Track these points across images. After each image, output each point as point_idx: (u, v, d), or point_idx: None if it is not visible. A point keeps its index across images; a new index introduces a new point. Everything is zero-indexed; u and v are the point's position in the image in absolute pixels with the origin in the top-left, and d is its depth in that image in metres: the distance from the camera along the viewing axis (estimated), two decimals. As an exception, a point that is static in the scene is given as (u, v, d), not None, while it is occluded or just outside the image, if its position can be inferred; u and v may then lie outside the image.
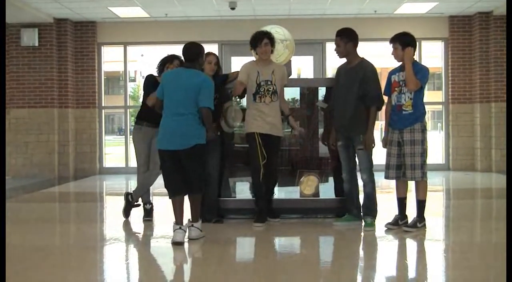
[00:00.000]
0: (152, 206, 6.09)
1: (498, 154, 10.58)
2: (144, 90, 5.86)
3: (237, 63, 10.10)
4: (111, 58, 11.96)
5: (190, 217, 5.01)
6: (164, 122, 4.95)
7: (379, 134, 8.98)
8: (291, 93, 6.39)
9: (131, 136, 6.22)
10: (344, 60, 5.60)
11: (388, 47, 5.44)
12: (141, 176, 5.96)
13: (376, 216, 5.53)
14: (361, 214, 5.61)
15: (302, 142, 6.40)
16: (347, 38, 5.45)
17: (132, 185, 8.51)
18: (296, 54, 6.38)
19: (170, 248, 4.83)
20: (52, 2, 9.61)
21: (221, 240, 5.17)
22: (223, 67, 7.21)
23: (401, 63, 5.36)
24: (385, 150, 5.46)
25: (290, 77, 6.15)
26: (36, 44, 10.66)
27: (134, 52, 12.41)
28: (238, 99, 6.24)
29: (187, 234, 4.96)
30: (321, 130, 6.31)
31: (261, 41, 5.59)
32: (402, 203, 5.45)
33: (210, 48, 7.02)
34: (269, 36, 5.64)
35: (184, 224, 4.93)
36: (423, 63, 7.39)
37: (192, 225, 4.98)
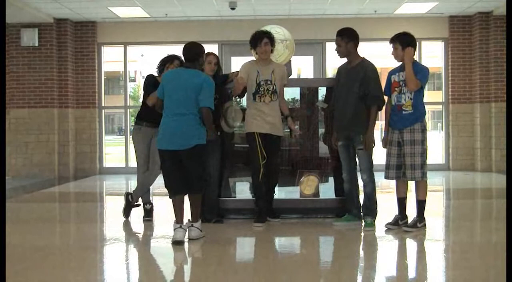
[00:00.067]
0: (152, 206, 6.09)
1: (498, 154, 10.58)
2: (144, 90, 5.86)
3: (237, 63, 10.09)
4: (111, 58, 11.96)
5: (190, 217, 5.02)
6: (164, 122, 4.95)
7: (379, 134, 8.98)
8: (291, 93, 6.40)
9: (131, 136, 6.22)
10: (344, 60, 5.60)
11: (388, 47, 5.44)
12: (141, 176, 5.96)
13: (376, 216, 5.53)
14: (361, 214, 5.61)
15: (302, 141, 6.39)
16: (348, 38, 5.45)
17: (132, 185, 8.51)
18: (296, 54, 6.38)
19: (170, 248, 4.83)
20: (52, 2, 9.61)
21: (221, 240, 5.17)
22: (223, 67, 7.21)
23: (401, 63, 5.36)
24: (385, 150, 5.46)
25: (290, 77, 6.15)
26: (36, 44, 10.66)
27: (134, 52, 12.40)
28: (238, 99, 6.24)
29: (187, 233, 4.96)
30: (321, 131, 6.31)
31: (261, 40, 5.59)
32: (402, 203, 5.45)
33: (210, 48, 7.02)
34: (269, 36, 5.64)
35: (184, 223, 4.93)
36: (423, 63, 7.40)
37: (192, 225, 4.98)
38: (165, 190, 5.05)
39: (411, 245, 5.08)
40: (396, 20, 10.66)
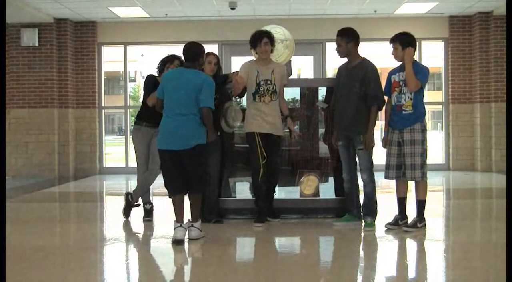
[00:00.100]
0: (152, 206, 6.09)
1: (498, 154, 10.58)
2: (144, 90, 5.86)
3: (237, 63, 10.09)
4: (111, 58, 11.96)
5: (190, 217, 5.02)
6: (164, 122, 4.95)
7: (379, 134, 8.98)
8: (291, 93, 6.40)
9: (131, 136, 6.22)
10: (345, 60, 5.60)
11: (388, 47, 5.44)
12: (141, 176, 5.96)
13: (376, 216, 5.53)
14: (361, 214, 5.61)
15: (302, 141, 6.39)
16: (348, 38, 5.45)
17: (132, 185, 8.51)
18: (296, 54, 6.39)
19: (170, 248, 4.83)
20: (52, 2, 9.61)
21: (221, 240, 5.17)
22: (223, 67, 7.21)
23: (401, 63, 5.36)
24: (385, 150, 5.46)
25: (290, 77, 6.15)
26: (36, 44, 10.67)
27: (134, 52, 12.41)
28: (238, 99, 6.24)
29: (187, 233, 4.96)
30: (321, 131, 6.31)
31: (260, 40, 5.59)
32: (402, 203, 5.45)
33: (210, 48, 7.02)
34: (268, 36, 5.63)
35: (184, 222, 4.93)
36: (423, 63, 7.40)
37: (192, 225, 4.98)
38: (165, 190, 5.05)
39: (411, 245, 5.08)
40: (396, 20, 10.66)
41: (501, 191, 8.24)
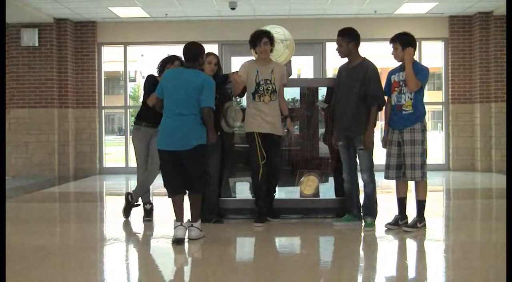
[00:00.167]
0: (152, 206, 6.09)
1: (498, 154, 10.58)
2: (144, 90, 5.86)
3: (237, 63, 10.09)
4: (111, 58, 11.96)
5: (190, 217, 5.01)
6: (164, 122, 4.95)
7: (379, 134, 8.99)
8: (291, 93, 6.40)
9: (131, 136, 6.22)
10: (345, 60, 5.60)
11: (388, 47, 5.44)
12: (141, 176, 5.96)
13: (376, 216, 5.53)
14: (361, 214, 5.61)
15: (302, 141, 6.39)
16: (349, 38, 5.44)
17: (132, 185, 8.51)
18: (296, 54, 6.38)
19: (170, 248, 4.83)
20: (52, 2, 9.61)
21: (221, 240, 5.17)
22: (223, 67, 7.20)
23: (401, 63, 5.36)
24: (385, 150, 5.46)
25: (290, 77, 6.15)
26: (36, 44, 10.67)
27: (134, 52, 12.41)
28: (238, 99, 6.24)
29: (187, 233, 4.96)
30: (321, 131, 6.31)
31: (260, 40, 5.59)
32: (402, 203, 5.45)
33: (210, 48, 7.02)
34: (268, 35, 5.63)
35: (184, 222, 4.93)
36: (423, 63, 7.40)
37: (192, 225, 4.98)
38: (165, 190, 5.05)
39: (411, 245, 5.08)
40: (396, 20, 10.66)
41: (501, 191, 8.24)
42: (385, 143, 5.45)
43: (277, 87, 5.65)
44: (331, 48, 10.37)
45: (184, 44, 5.08)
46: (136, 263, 4.67)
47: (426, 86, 5.48)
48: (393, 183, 5.53)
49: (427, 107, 5.53)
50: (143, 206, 6.07)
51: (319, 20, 10.99)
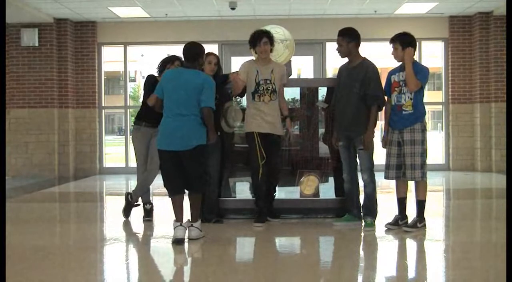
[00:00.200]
0: (152, 206, 6.09)
1: (498, 154, 10.58)
2: (144, 90, 5.85)
3: (237, 63, 10.09)
4: (111, 58, 11.96)
5: (189, 217, 5.01)
6: (164, 123, 4.94)
7: (380, 134, 8.98)
8: (291, 93, 6.39)
9: (131, 136, 6.22)
10: (345, 60, 5.59)
11: (388, 47, 5.44)
12: (141, 176, 5.96)
13: (376, 216, 5.53)
14: (361, 214, 5.61)
15: (302, 141, 6.39)
16: (349, 38, 5.44)
17: (132, 184, 8.51)
18: (296, 54, 6.38)
19: (170, 248, 4.83)
20: (52, 2, 9.61)
21: (221, 240, 5.17)
22: (223, 67, 7.20)
23: (401, 63, 5.36)
24: (385, 150, 5.46)
25: (290, 77, 6.15)
26: (36, 44, 10.67)
27: (134, 52, 12.41)
28: (238, 99, 6.24)
29: (187, 233, 4.96)
30: (321, 131, 6.31)
31: (260, 40, 5.59)
32: (402, 203, 5.45)
33: (210, 48, 7.02)
34: (268, 35, 5.63)
35: (184, 222, 4.93)
36: (423, 63, 7.40)
37: (192, 225, 4.98)
38: (165, 190, 5.05)
39: (411, 245, 5.08)
40: (396, 20, 10.66)
41: (501, 191, 8.24)
42: (385, 142, 5.45)
43: (277, 87, 5.65)
44: (331, 48, 10.37)
45: (184, 44, 5.08)
46: (136, 263, 4.67)
47: (426, 86, 5.48)
48: (393, 183, 5.53)
49: (427, 107, 5.53)
50: (143, 206, 6.07)
51: (319, 20, 10.99)
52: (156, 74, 5.88)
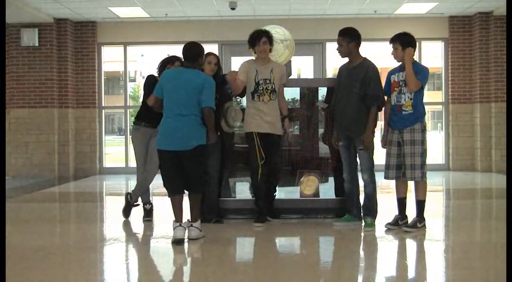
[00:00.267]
0: (152, 206, 6.09)
1: (498, 154, 10.58)
2: (144, 90, 5.85)
3: (237, 63, 10.08)
4: (111, 58, 11.96)
5: (189, 217, 5.01)
6: (164, 123, 4.94)
7: (379, 134, 8.98)
8: (291, 93, 6.39)
9: (131, 136, 6.23)
10: (346, 59, 5.59)
11: (388, 47, 5.44)
12: (141, 176, 5.96)
13: (376, 216, 5.53)
14: (361, 214, 5.60)
15: (302, 141, 6.39)
16: (349, 38, 5.44)
17: (132, 184, 8.50)
18: (296, 54, 6.38)
19: (170, 248, 4.83)
20: (52, 2, 9.61)
21: (221, 240, 5.17)
22: (223, 67, 7.20)
23: (400, 63, 5.36)
24: (385, 150, 5.46)
25: (290, 77, 6.15)
26: (36, 44, 10.67)
27: (134, 52, 12.40)
28: (238, 99, 6.24)
29: (186, 233, 4.96)
30: (321, 131, 6.31)
31: (259, 40, 5.59)
32: (402, 203, 5.45)
33: (210, 48, 7.02)
34: (267, 35, 5.63)
35: (183, 222, 4.93)
36: (423, 63, 7.40)
37: (192, 225, 4.98)
38: (165, 190, 5.05)
39: (411, 245, 5.08)
40: (396, 20, 10.66)
41: (501, 191, 8.24)
42: (385, 142, 5.45)
43: (276, 86, 5.65)
44: (331, 48, 10.37)
45: (184, 44, 5.08)
46: (136, 263, 4.67)
47: (426, 86, 5.48)
48: (393, 183, 5.53)
49: (427, 107, 5.54)
50: (143, 206, 6.07)
51: (319, 20, 10.99)
52: (156, 74, 5.88)
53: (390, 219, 5.47)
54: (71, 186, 9.84)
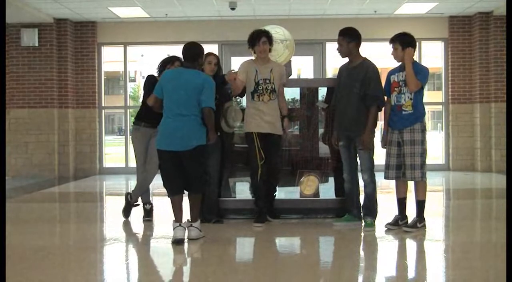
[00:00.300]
0: (152, 206, 6.09)
1: (498, 154, 10.58)
2: (144, 90, 5.85)
3: (237, 63, 10.08)
4: (111, 58, 11.95)
5: (189, 217, 5.01)
6: (164, 123, 4.94)
7: (380, 134, 8.98)
8: (291, 93, 6.40)
9: (131, 136, 6.23)
10: (346, 59, 5.59)
11: (388, 47, 5.44)
12: (140, 176, 5.96)
13: (376, 216, 5.53)
14: (361, 214, 5.60)
15: (302, 141, 6.39)
16: (349, 38, 5.44)
17: (132, 185, 8.51)
18: (296, 54, 6.38)
19: (170, 248, 4.83)
20: (52, 2, 9.61)
21: (221, 240, 5.17)
22: (223, 68, 7.20)
23: (400, 63, 5.36)
24: (385, 150, 5.46)
25: (290, 77, 6.15)
26: (36, 44, 10.67)
27: (134, 52, 12.40)
28: (238, 99, 6.24)
29: (186, 233, 4.95)
30: (321, 131, 6.31)
31: (259, 39, 5.59)
32: (402, 203, 5.45)
33: (210, 48, 7.02)
34: (267, 35, 5.63)
35: (183, 222, 4.93)
36: (423, 63, 7.40)
37: (191, 225, 4.98)
38: (165, 190, 5.04)
39: (411, 245, 5.08)
40: (396, 20, 10.66)
41: (501, 191, 8.24)
42: (385, 142, 5.45)
43: (276, 86, 5.65)
44: (331, 48, 10.37)
45: (184, 44, 5.08)
46: (136, 263, 4.67)
47: (426, 87, 5.48)
48: (393, 183, 5.53)
49: (427, 108, 5.54)
50: (143, 206, 6.07)
51: (319, 20, 10.99)
52: (156, 75, 5.88)
53: (390, 219, 5.48)
54: (71, 186, 9.84)
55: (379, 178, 5.57)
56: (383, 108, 5.48)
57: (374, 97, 5.34)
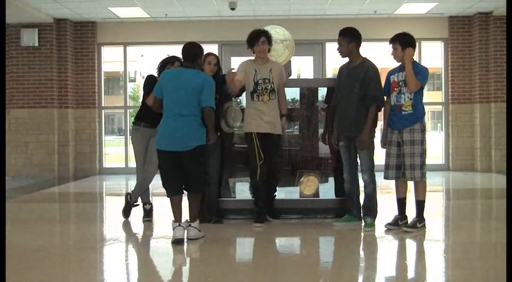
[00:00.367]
0: (151, 206, 6.09)
1: (498, 154, 10.58)
2: (144, 90, 5.86)
3: (237, 64, 10.08)
4: (111, 58, 11.95)
5: (188, 217, 5.01)
6: (164, 123, 4.93)
7: (380, 134, 8.97)
8: (291, 93, 6.40)
9: (130, 136, 6.23)
10: (346, 59, 5.59)
11: (388, 47, 5.44)
12: (140, 175, 5.96)
13: (376, 217, 5.53)
14: (361, 214, 5.61)
15: (302, 141, 6.40)
16: (349, 38, 5.44)
17: (132, 185, 8.50)
18: (296, 54, 6.38)
19: (170, 248, 4.83)
20: (52, 2, 9.61)
21: (221, 240, 5.17)
22: (223, 68, 7.20)
23: (400, 63, 5.36)
24: (384, 150, 5.47)
25: (290, 77, 6.15)
26: (36, 44, 10.67)
27: (134, 52, 12.40)
28: (238, 100, 6.24)
29: (186, 233, 4.95)
30: (321, 131, 6.31)
31: (258, 39, 5.59)
32: (402, 203, 5.46)
33: (210, 48, 7.02)
34: (266, 35, 5.63)
35: (183, 222, 4.93)
36: (422, 63, 7.40)
37: (190, 225, 4.97)
38: (165, 190, 5.04)
39: (411, 245, 5.08)
40: (396, 21, 10.66)
41: (501, 191, 8.24)
42: (384, 143, 5.45)
43: (275, 86, 5.65)
44: (331, 48, 10.37)
45: (183, 45, 5.08)
46: (136, 263, 4.67)
47: (426, 87, 5.48)
48: (393, 183, 5.53)
49: (426, 108, 5.54)
50: (143, 206, 6.07)
51: (319, 20, 10.99)
52: (156, 75, 5.88)
53: (390, 219, 5.48)
54: (71, 186, 9.84)
55: (379, 178, 5.57)
56: (382, 108, 5.48)
57: (374, 97, 5.34)
